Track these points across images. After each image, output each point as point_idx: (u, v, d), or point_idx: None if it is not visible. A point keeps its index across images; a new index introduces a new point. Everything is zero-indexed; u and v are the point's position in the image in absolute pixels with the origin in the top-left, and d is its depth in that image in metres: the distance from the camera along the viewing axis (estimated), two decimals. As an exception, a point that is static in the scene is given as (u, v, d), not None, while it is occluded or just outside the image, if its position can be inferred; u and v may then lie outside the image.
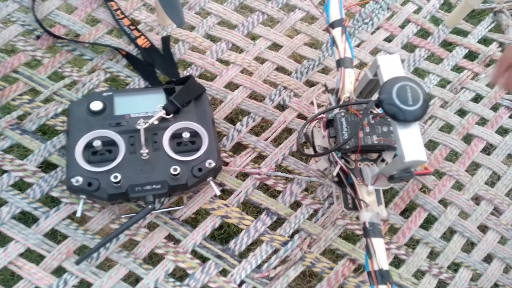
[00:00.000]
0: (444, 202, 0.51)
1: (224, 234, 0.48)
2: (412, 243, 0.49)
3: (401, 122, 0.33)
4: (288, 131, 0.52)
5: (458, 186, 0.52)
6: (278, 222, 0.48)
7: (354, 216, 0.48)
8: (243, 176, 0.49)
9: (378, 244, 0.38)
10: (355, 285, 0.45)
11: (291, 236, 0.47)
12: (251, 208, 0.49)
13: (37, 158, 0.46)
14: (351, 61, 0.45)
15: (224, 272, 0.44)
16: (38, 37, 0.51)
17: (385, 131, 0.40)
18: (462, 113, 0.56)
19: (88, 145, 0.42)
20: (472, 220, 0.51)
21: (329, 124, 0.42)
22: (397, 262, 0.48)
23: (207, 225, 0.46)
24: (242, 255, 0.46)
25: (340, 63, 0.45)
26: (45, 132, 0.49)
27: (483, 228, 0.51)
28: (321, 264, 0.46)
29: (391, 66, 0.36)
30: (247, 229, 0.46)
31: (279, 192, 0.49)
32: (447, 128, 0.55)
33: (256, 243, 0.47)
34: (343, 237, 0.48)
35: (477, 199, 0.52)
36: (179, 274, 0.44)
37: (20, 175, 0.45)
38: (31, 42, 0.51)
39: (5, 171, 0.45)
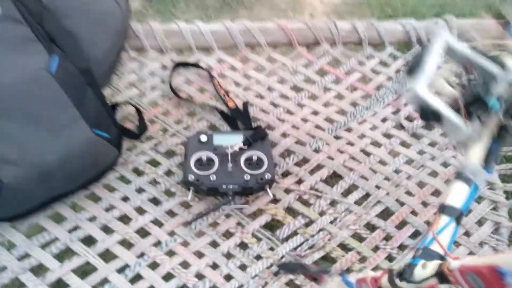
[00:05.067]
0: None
1: (273, 226, 0.72)
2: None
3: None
4: (320, 167, 0.78)
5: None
6: (309, 223, 0.72)
7: (363, 224, 0.71)
8: (288, 191, 0.75)
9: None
10: (358, 268, 0.67)
11: (318, 233, 0.70)
12: (292, 213, 0.73)
13: (163, 168, 0.76)
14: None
15: (271, 249, 0.69)
16: (170, 98, 0.85)
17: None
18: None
19: (198, 160, 0.71)
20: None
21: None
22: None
23: (263, 219, 0.71)
24: (284, 240, 0.70)
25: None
26: (169, 153, 0.79)
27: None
28: (336, 253, 0.69)
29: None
30: (288, 225, 0.71)
31: (311, 204, 0.74)
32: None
33: (293, 234, 0.70)
34: (353, 237, 0.70)
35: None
36: (243, 247, 0.68)
37: (154, 176, 0.74)
38: (165, 101, 0.84)
39: (145, 173, 0.75)
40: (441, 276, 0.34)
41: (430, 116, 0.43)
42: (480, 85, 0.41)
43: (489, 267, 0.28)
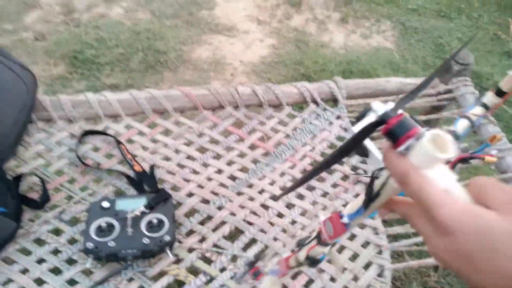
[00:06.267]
0: (321, 270, 0.78)
1: (176, 286, 0.75)
2: None
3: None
4: (222, 223, 0.83)
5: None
6: (210, 280, 0.75)
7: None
8: (191, 250, 0.78)
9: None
10: (255, 320, 0.71)
11: (218, 289, 0.74)
12: (194, 271, 0.77)
13: (66, 236, 0.77)
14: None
15: (172, 309, 0.71)
16: (76, 166, 0.87)
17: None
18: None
19: (98, 227, 0.74)
20: (339, 281, 0.78)
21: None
22: None
23: (165, 280, 0.74)
24: (185, 299, 0.72)
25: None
26: (74, 221, 0.80)
27: None
28: (235, 307, 0.72)
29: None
30: (189, 284, 0.74)
31: (213, 261, 0.77)
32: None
33: (194, 292, 0.74)
34: (251, 290, 0.75)
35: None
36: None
37: (56, 245, 0.75)
38: (72, 169, 0.87)
39: (47, 243, 0.75)
40: (318, 236, 0.49)
41: (360, 150, 0.58)
42: None
43: (336, 213, 0.43)
